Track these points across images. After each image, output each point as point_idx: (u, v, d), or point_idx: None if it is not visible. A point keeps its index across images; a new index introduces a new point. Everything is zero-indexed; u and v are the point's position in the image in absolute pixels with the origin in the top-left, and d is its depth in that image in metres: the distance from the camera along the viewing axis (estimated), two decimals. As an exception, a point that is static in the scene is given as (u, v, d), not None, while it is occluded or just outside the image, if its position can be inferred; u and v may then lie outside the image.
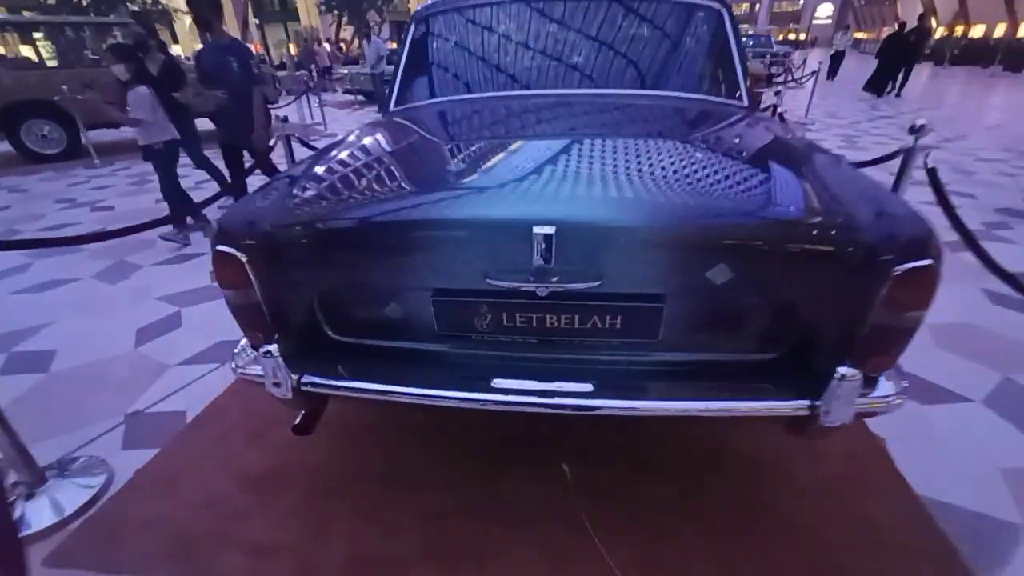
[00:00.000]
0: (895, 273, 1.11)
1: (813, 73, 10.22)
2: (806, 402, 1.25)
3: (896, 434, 2.01)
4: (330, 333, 1.54)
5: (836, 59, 16.77)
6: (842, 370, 1.18)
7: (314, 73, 15.22)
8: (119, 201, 5.75)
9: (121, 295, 3.40)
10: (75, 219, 5.19)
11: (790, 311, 1.30)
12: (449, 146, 1.80)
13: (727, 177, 1.41)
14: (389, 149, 1.83)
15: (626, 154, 1.55)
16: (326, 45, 23.62)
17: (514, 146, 1.72)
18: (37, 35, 8.66)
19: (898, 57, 12.77)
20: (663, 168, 1.43)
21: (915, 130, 2.66)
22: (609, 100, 2.13)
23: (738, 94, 2.17)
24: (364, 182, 1.53)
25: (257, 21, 31.65)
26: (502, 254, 1.26)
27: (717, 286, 1.24)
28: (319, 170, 1.62)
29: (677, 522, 1.68)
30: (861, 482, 1.81)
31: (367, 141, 1.88)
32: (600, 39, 2.27)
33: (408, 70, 2.44)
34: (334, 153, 1.76)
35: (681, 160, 1.50)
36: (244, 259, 1.34)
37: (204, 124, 5.09)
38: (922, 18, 13.30)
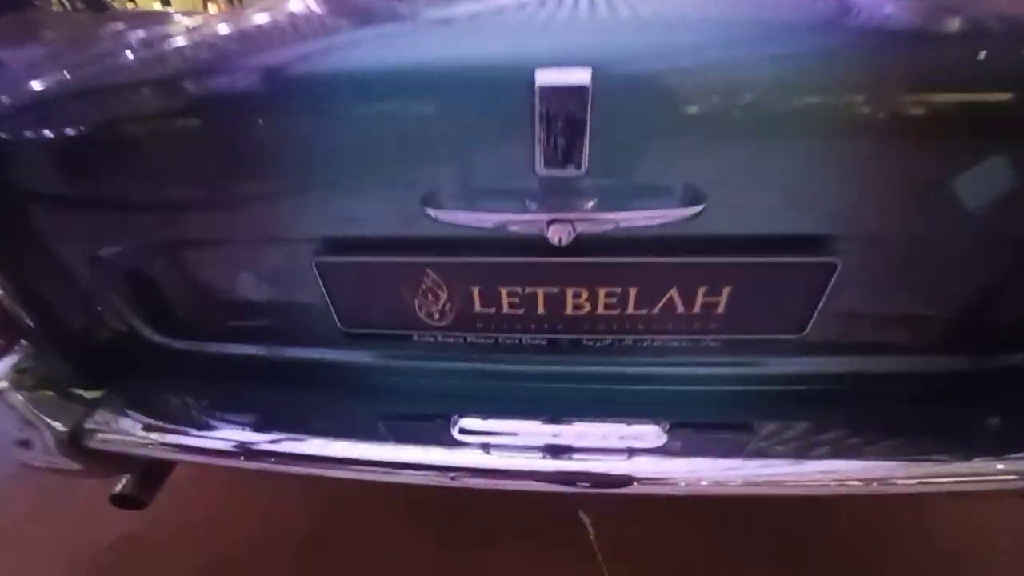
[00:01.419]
0: None
1: None
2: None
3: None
4: (149, 334, 0.80)
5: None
6: None
7: None
8: None
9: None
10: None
11: None
12: None
13: None
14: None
15: None
16: None
17: None
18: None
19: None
20: None
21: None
22: None
23: None
24: (200, 34, 0.75)
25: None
26: (461, 152, 0.54)
27: (965, 210, 0.52)
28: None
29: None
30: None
31: None
32: None
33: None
34: None
35: None
36: None
37: None
38: None
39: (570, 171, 0.51)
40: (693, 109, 0.50)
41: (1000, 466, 0.61)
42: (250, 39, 0.67)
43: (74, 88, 0.61)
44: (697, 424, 0.68)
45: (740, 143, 0.51)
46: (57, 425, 0.71)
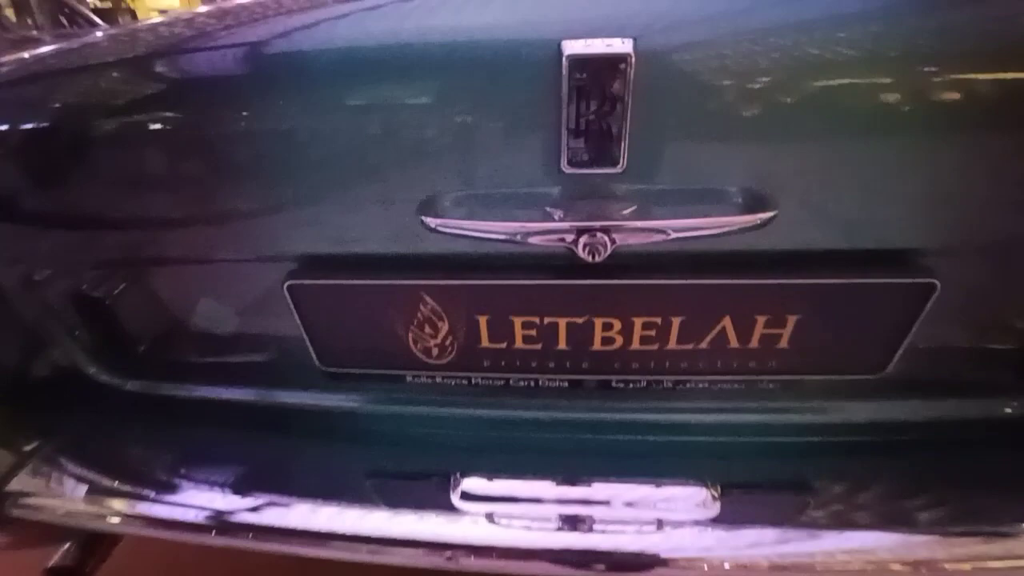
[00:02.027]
0: None
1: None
2: None
3: None
4: (94, 372, 0.67)
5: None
6: None
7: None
8: None
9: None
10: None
11: None
12: None
13: None
14: None
15: None
16: None
17: None
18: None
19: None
20: None
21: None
22: None
23: None
24: (161, 27, 0.66)
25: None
26: (469, 147, 0.43)
27: None
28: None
29: None
30: None
31: None
32: None
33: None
34: None
35: None
36: None
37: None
38: None
39: (605, 169, 0.41)
40: (759, 90, 0.40)
41: None
42: (209, 24, 0.58)
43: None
44: (750, 485, 0.55)
45: (819, 135, 0.41)
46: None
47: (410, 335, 0.54)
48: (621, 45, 0.38)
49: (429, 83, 0.42)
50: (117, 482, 0.61)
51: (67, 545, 0.74)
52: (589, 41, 0.38)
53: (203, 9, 0.61)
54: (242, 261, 0.54)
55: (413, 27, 0.44)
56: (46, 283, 0.59)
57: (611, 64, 0.38)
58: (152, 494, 0.59)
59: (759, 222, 0.41)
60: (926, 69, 0.39)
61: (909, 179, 0.43)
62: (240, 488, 0.59)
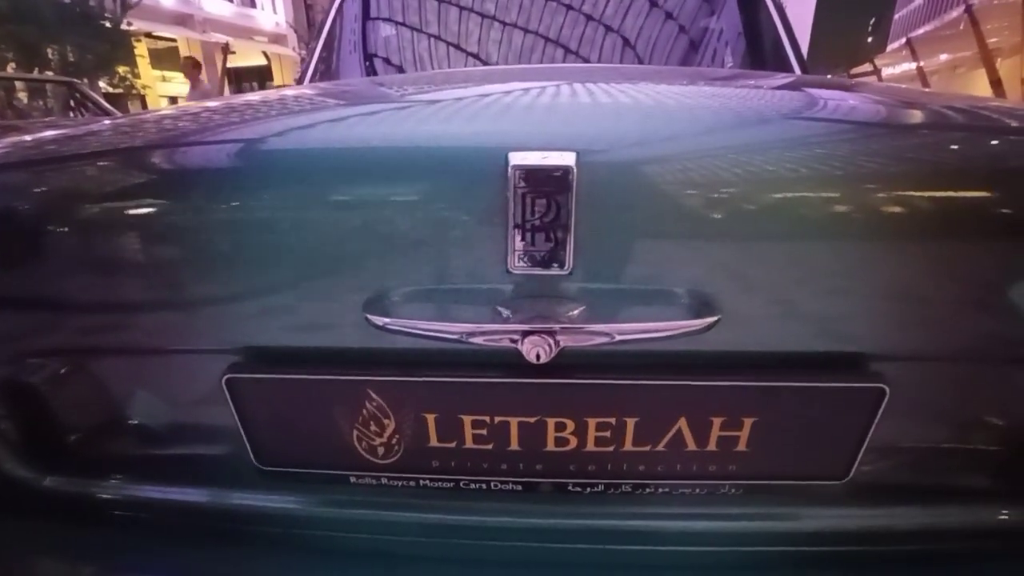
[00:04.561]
0: None
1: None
2: None
3: None
4: (11, 467, 0.61)
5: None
6: None
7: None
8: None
9: None
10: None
11: None
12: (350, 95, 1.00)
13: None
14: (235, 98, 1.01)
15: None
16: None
17: (475, 84, 0.94)
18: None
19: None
20: None
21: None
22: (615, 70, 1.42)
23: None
24: (112, 127, 0.69)
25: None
26: (417, 247, 0.44)
27: None
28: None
29: None
30: None
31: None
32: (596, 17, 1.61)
33: (331, 43, 1.71)
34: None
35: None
36: None
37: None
38: None
39: (551, 271, 0.41)
40: (702, 202, 0.42)
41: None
42: (158, 124, 0.60)
43: None
44: None
45: (760, 242, 0.42)
46: None
47: (355, 433, 0.51)
48: (565, 158, 0.39)
49: (380, 184, 0.44)
50: None
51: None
52: (534, 153, 0.40)
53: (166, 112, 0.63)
54: (180, 352, 0.52)
55: (371, 132, 0.46)
56: None
57: (556, 174, 0.39)
58: None
59: (703, 326, 0.41)
60: (865, 186, 0.42)
61: (853, 286, 0.44)
62: None
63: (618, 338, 0.42)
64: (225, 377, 0.48)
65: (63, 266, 0.48)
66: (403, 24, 1.73)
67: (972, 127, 0.50)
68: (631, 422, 0.49)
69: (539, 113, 0.50)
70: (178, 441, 0.59)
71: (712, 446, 0.50)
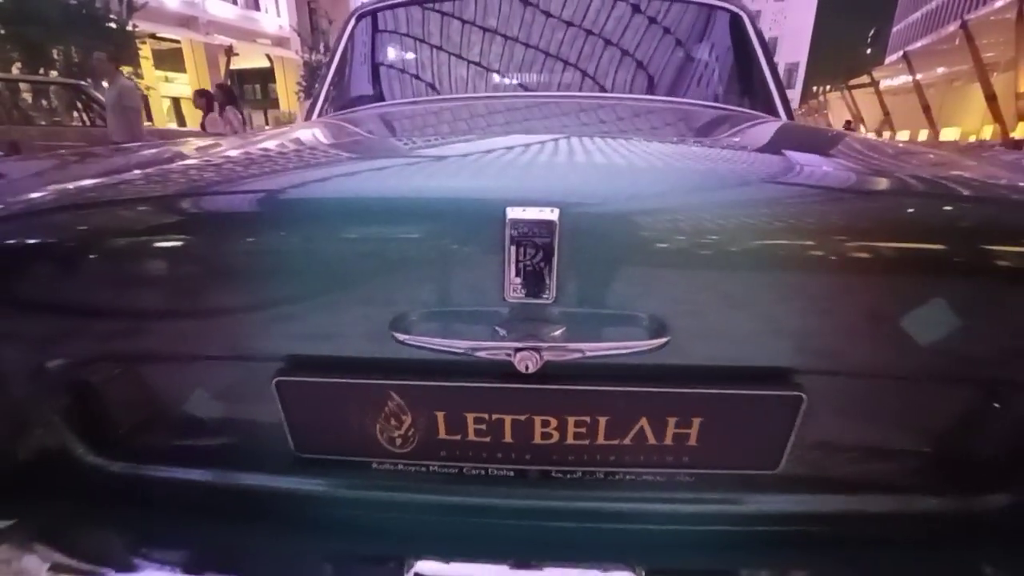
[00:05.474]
0: None
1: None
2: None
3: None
4: (82, 453, 0.73)
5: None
6: None
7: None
8: None
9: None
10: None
11: None
12: (367, 134, 1.12)
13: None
14: (247, 137, 1.13)
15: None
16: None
17: (476, 133, 1.06)
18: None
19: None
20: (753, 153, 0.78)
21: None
22: (620, 103, 1.54)
23: (774, 110, 1.63)
24: (169, 163, 0.81)
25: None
26: (432, 279, 0.56)
27: (924, 349, 0.55)
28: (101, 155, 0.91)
29: None
30: None
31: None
32: (600, 43, 1.74)
33: (342, 73, 1.83)
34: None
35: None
36: None
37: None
38: (848, 124, 15.76)
39: (538, 300, 0.53)
40: (655, 247, 0.53)
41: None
42: (223, 165, 0.71)
43: (48, 204, 0.63)
44: (675, 571, 0.62)
45: (701, 281, 0.54)
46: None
47: (377, 427, 0.63)
48: (550, 213, 0.51)
49: (403, 230, 0.55)
50: (82, 560, 0.65)
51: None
52: (526, 208, 0.51)
53: (220, 149, 0.75)
54: (240, 359, 0.64)
55: (398, 187, 0.58)
56: (54, 372, 0.67)
57: (542, 226, 0.51)
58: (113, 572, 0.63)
59: (656, 345, 0.53)
60: (786, 240, 0.54)
61: (776, 315, 0.56)
62: (202, 570, 0.63)
63: (589, 354, 0.54)
64: (275, 379, 0.60)
65: (154, 293, 0.60)
66: (411, 50, 1.86)
67: (887, 191, 0.62)
68: (603, 420, 0.60)
69: (530, 171, 0.62)
70: (230, 432, 0.70)
71: (668, 440, 0.61)
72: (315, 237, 0.56)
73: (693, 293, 0.55)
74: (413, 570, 0.60)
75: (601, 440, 0.62)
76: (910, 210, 0.57)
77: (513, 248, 0.51)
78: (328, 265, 0.56)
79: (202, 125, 6.16)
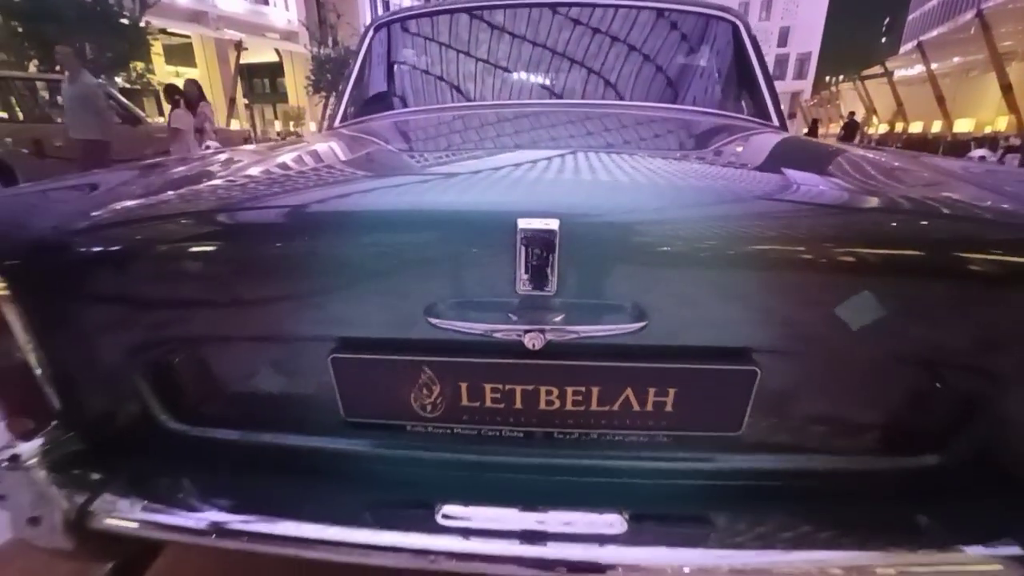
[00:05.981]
0: None
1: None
2: (1016, 548, 0.65)
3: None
4: (165, 420, 0.88)
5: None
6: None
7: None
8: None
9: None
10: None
11: (979, 377, 0.73)
12: (393, 146, 1.27)
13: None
14: (294, 147, 1.28)
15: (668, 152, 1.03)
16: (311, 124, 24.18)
17: (489, 147, 1.20)
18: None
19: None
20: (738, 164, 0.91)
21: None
22: (619, 112, 1.67)
23: (768, 117, 1.74)
24: (238, 173, 0.95)
25: (247, 101, 32.66)
26: (458, 275, 0.70)
27: (854, 334, 0.68)
28: (158, 165, 1.06)
29: None
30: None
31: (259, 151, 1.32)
32: (599, 55, 1.86)
33: (361, 82, 1.98)
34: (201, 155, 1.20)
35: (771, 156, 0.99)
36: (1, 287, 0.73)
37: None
38: (852, 114, 16.36)
39: (543, 292, 0.67)
40: (636, 250, 0.67)
41: (931, 556, 0.69)
42: (283, 181, 0.86)
43: (138, 214, 0.78)
44: (656, 515, 0.76)
45: (673, 277, 0.68)
46: (69, 505, 0.77)
47: (412, 395, 0.77)
48: (552, 223, 0.65)
49: (436, 236, 0.69)
50: (165, 503, 0.79)
51: (107, 567, 0.92)
52: (533, 219, 0.65)
53: (280, 159, 0.89)
54: (302, 340, 0.79)
55: (430, 200, 0.72)
56: (145, 353, 0.82)
57: (546, 233, 0.65)
58: (190, 512, 0.77)
59: (637, 328, 0.67)
60: (750, 246, 0.66)
61: (735, 305, 0.69)
62: (266, 508, 0.78)
63: (583, 335, 0.67)
64: (331, 356, 0.75)
65: (235, 288, 0.75)
66: (427, 58, 1.99)
67: (825, 202, 0.75)
68: (595, 390, 0.74)
69: (536, 187, 0.75)
70: (290, 402, 0.85)
71: (649, 408, 0.75)
72: (364, 243, 0.70)
73: (666, 287, 0.68)
74: (441, 512, 0.74)
75: (594, 407, 0.76)
76: (833, 220, 0.70)
77: (523, 250, 0.65)
78: (375, 265, 0.71)
79: (168, 118, 6.52)
